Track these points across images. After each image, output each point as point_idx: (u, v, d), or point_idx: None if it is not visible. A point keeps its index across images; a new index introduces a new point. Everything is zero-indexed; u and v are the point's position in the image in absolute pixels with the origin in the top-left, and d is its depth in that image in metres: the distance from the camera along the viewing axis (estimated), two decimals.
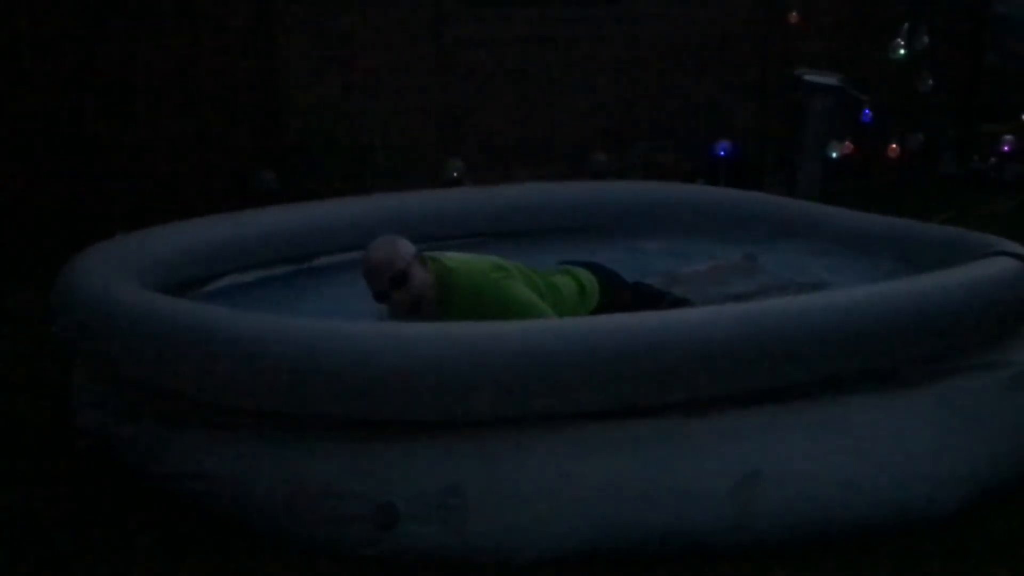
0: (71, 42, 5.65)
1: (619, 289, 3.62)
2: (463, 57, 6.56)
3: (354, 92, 6.25)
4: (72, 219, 5.46)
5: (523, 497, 2.71)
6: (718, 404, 2.86)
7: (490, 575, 2.67)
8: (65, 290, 3.30)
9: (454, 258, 3.41)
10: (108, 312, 3.10)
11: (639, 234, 4.70)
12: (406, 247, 3.31)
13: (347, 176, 6.05)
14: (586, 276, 3.59)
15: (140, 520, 2.90)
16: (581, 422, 2.78)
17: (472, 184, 6.17)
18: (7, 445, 3.38)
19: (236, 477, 2.84)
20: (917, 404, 3.03)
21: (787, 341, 2.91)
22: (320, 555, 2.71)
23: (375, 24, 6.27)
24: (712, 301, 3.66)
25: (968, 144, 8.42)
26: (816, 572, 2.70)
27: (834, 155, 7.25)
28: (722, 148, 7.18)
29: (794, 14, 7.48)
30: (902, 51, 7.77)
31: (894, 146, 7.97)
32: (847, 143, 7.49)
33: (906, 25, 7.75)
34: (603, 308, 3.51)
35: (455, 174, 6.34)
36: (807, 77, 6.90)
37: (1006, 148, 8.05)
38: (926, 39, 7.81)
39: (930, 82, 7.97)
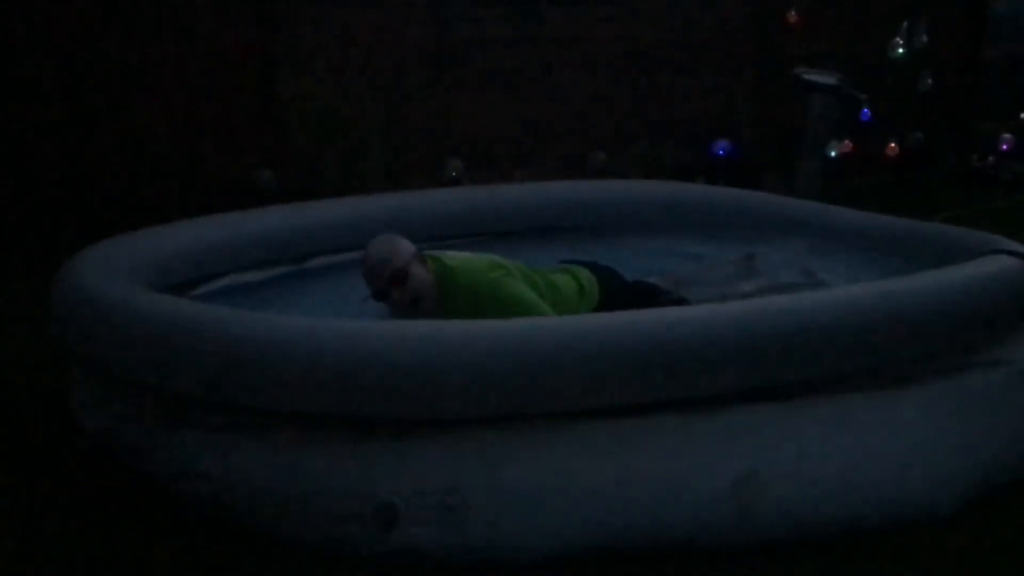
0: (70, 41, 5.64)
1: (618, 288, 3.62)
2: (462, 56, 6.56)
3: (353, 92, 6.25)
4: (71, 218, 5.46)
5: (523, 496, 2.71)
6: (717, 403, 2.86)
7: (490, 574, 2.67)
8: (64, 290, 3.29)
9: (453, 257, 3.42)
10: (107, 312, 3.10)
11: (638, 233, 4.71)
12: (405, 246, 3.31)
13: (346, 176, 6.05)
14: (585, 275, 3.59)
15: (140, 520, 2.90)
16: (581, 421, 2.78)
17: (471, 184, 6.18)
18: (7, 445, 3.38)
19: (235, 477, 2.83)
20: (917, 402, 3.03)
21: (786, 339, 2.90)
22: (320, 555, 2.71)
23: (374, 23, 6.27)
24: (711, 300, 3.66)
25: (967, 143, 8.42)
26: (816, 571, 2.70)
27: (833, 154, 7.25)
28: (721, 147, 7.19)
29: (793, 13, 7.48)
30: (901, 50, 7.78)
31: (893, 145, 7.97)
32: (846, 142, 7.50)
33: (905, 24, 7.76)
34: (602, 307, 3.51)
35: (454, 173, 6.35)
36: (806, 76, 6.89)
37: (1005, 147, 8.06)
38: (925, 38, 7.81)
39: (929, 81, 7.98)
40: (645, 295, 3.63)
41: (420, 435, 2.76)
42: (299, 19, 6.10)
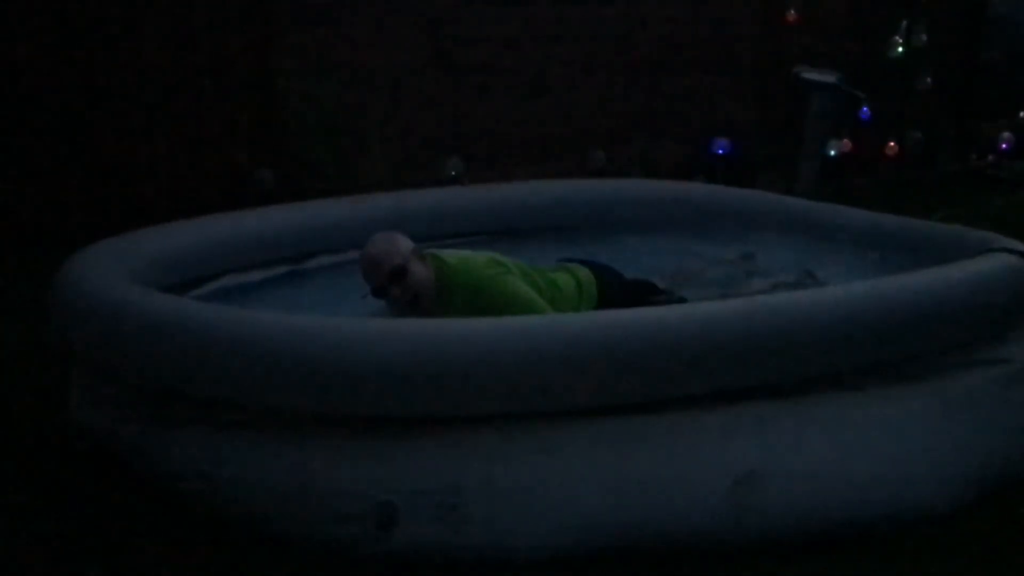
0: (69, 40, 5.64)
1: (617, 286, 3.63)
2: (461, 55, 6.56)
3: (353, 91, 6.25)
4: (70, 217, 5.46)
5: (522, 496, 2.71)
6: (716, 401, 2.86)
7: (490, 574, 2.67)
8: (64, 289, 3.29)
9: (452, 254, 3.42)
10: (107, 311, 3.10)
11: (637, 233, 4.71)
12: (404, 243, 3.32)
13: (345, 175, 6.05)
14: (584, 273, 3.60)
15: (139, 520, 2.90)
16: (580, 420, 2.78)
17: (471, 183, 6.18)
18: (7, 445, 3.38)
19: (235, 476, 2.83)
20: (916, 401, 3.03)
21: (785, 337, 2.91)
22: (319, 554, 2.71)
23: (374, 20, 6.27)
24: (710, 300, 3.67)
25: (966, 142, 8.42)
26: (815, 570, 2.70)
27: (832, 153, 7.25)
28: (720, 146, 7.19)
29: (792, 12, 7.49)
30: (900, 49, 7.78)
31: (892, 144, 7.97)
32: (845, 141, 7.50)
33: (904, 23, 7.76)
34: (601, 305, 3.52)
35: (454, 172, 6.35)
36: (805, 75, 6.91)
37: (1004, 146, 8.06)
38: (924, 37, 7.81)
39: (928, 80, 7.98)
40: (644, 294, 3.63)
41: (420, 434, 2.76)
42: (299, 18, 6.10)
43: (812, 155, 7.00)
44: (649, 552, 2.71)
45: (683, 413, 2.82)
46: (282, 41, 6.08)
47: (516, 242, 4.23)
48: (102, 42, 5.69)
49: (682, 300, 3.62)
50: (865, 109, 7.57)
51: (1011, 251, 3.48)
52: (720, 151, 7.17)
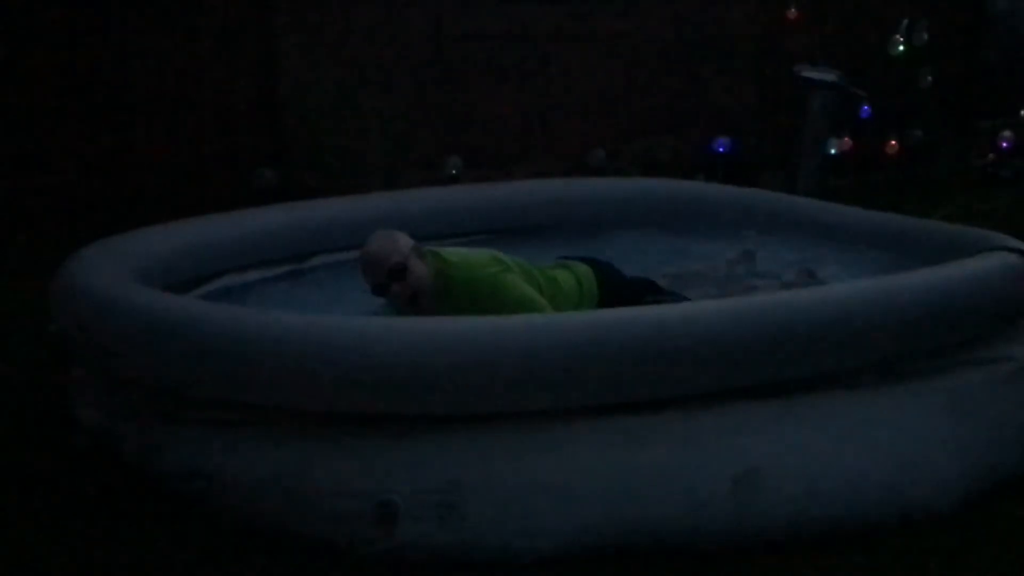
0: (70, 39, 5.64)
1: (617, 284, 3.62)
2: (461, 53, 6.56)
3: (353, 89, 6.25)
4: (70, 217, 5.46)
5: (522, 494, 2.71)
6: (717, 400, 2.86)
7: (489, 572, 2.67)
8: (65, 289, 3.29)
9: (452, 252, 3.42)
10: (107, 310, 3.10)
11: (637, 231, 4.71)
12: (404, 240, 3.32)
13: (345, 173, 6.05)
14: (584, 271, 3.60)
15: (140, 519, 2.90)
16: (580, 419, 2.79)
17: (471, 181, 6.17)
18: (7, 444, 3.38)
19: (235, 475, 2.84)
20: (917, 399, 3.03)
21: (786, 336, 2.91)
22: (320, 553, 2.71)
23: (374, 19, 6.26)
24: (710, 298, 3.67)
25: (967, 140, 8.41)
26: (816, 569, 2.70)
27: (833, 151, 7.25)
28: (721, 144, 7.18)
29: (793, 10, 7.48)
30: (901, 47, 7.77)
31: (893, 142, 7.97)
32: (846, 139, 7.49)
33: (905, 21, 7.75)
34: (601, 303, 3.52)
35: (454, 171, 6.34)
36: (805, 73, 6.89)
37: (1005, 144, 8.05)
38: (925, 35, 7.80)
39: (929, 78, 7.97)
40: (644, 292, 3.63)
41: (420, 433, 2.76)
42: (299, 16, 6.09)
43: (812, 153, 6.99)
44: (649, 552, 2.71)
45: (683, 413, 2.82)
46: (284, 39, 6.08)
47: (516, 241, 4.23)
48: (103, 38, 5.69)
49: (682, 298, 3.62)
50: (865, 107, 7.56)
51: (1011, 250, 3.48)
52: (720, 149, 7.16)
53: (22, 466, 3.23)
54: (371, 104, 6.30)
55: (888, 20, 7.77)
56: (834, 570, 2.71)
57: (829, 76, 6.88)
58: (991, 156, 8.08)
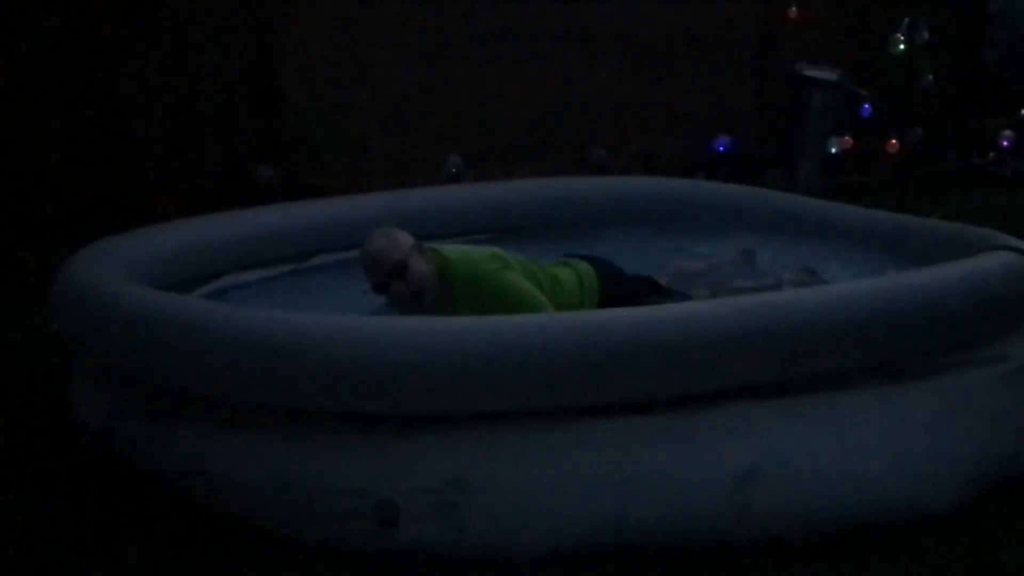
0: (70, 39, 5.64)
1: (618, 282, 3.63)
2: (462, 53, 6.56)
3: (353, 88, 6.25)
4: (70, 217, 5.46)
5: (524, 493, 2.71)
6: (717, 400, 2.86)
7: (490, 572, 2.67)
8: (65, 288, 3.30)
9: (452, 249, 3.42)
10: (107, 310, 3.10)
11: (638, 229, 4.71)
12: (404, 238, 3.31)
13: (346, 171, 6.05)
14: (585, 269, 3.60)
15: (140, 518, 2.90)
16: (582, 418, 2.79)
17: (471, 181, 6.18)
18: (7, 444, 3.38)
19: (236, 474, 2.84)
20: (917, 399, 3.03)
21: (786, 336, 2.90)
22: (320, 552, 2.72)
23: (374, 17, 6.26)
24: (710, 296, 3.67)
25: (967, 139, 8.41)
26: (815, 569, 2.70)
27: (833, 150, 7.25)
28: (721, 143, 7.18)
29: (793, 9, 7.48)
30: (902, 46, 7.77)
31: (893, 141, 7.97)
32: (846, 138, 7.49)
33: (906, 20, 7.75)
34: (602, 301, 3.52)
35: (454, 170, 6.34)
36: (806, 72, 6.90)
37: (1005, 143, 8.05)
38: (926, 34, 7.80)
39: (930, 77, 7.97)
40: (645, 290, 3.64)
41: (421, 432, 2.76)
42: (299, 15, 6.09)
43: (813, 152, 6.99)
44: (649, 551, 2.71)
45: (683, 412, 2.82)
46: (283, 37, 6.07)
47: (516, 240, 4.23)
48: (102, 38, 5.69)
49: (682, 296, 3.62)
50: (866, 106, 7.56)
51: (1012, 249, 3.48)
52: (721, 148, 7.17)
53: (22, 466, 3.23)
54: (371, 103, 6.30)
55: (890, 18, 7.77)
56: (834, 570, 2.71)
57: (830, 75, 6.88)
58: (991, 155, 8.08)
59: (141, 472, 3.03)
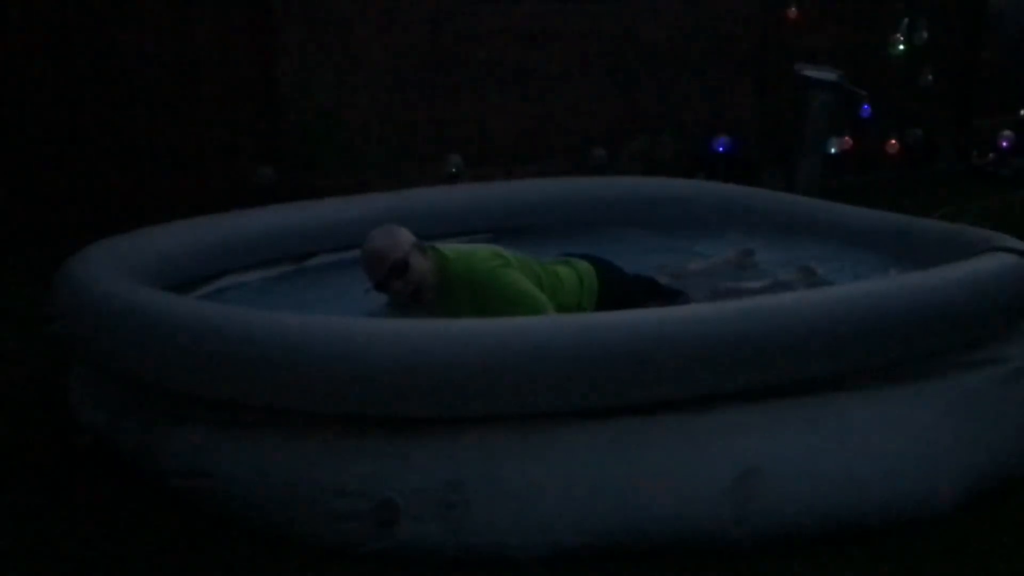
0: (69, 38, 5.64)
1: (618, 281, 3.63)
2: (462, 52, 6.56)
3: (353, 89, 6.25)
4: (71, 217, 5.46)
5: (524, 494, 2.71)
6: (717, 401, 2.86)
7: (490, 572, 2.67)
8: (67, 288, 3.30)
9: (453, 247, 3.42)
10: (109, 310, 3.10)
11: (638, 229, 4.71)
12: (405, 236, 3.32)
13: (345, 171, 6.05)
14: (585, 268, 3.61)
15: (140, 518, 2.90)
16: (582, 419, 2.79)
17: (471, 180, 6.18)
18: (7, 444, 3.38)
19: (236, 474, 2.84)
20: (917, 400, 3.03)
21: (785, 337, 2.90)
22: (321, 552, 2.72)
23: (374, 17, 6.26)
24: (709, 296, 3.67)
25: (967, 139, 8.42)
26: (816, 569, 2.70)
27: (833, 150, 7.25)
28: (721, 143, 7.18)
29: (793, 9, 7.48)
30: (901, 46, 7.78)
31: (893, 141, 7.97)
32: (846, 138, 7.50)
33: (905, 20, 7.75)
34: (601, 299, 3.53)
35: (454, 170, 6.35)
36: (806, 72, 6.90)
37: (1005, 143, 8.05)
38: (925, 34, 7.81)
39: (929, 77, 7.98)
40: (645, 289, 3.64)
41: (421, 433, 2.76)
42: (299, 17, 6.10)
43: (812, 152, 7.00)
44: (649, 551, 2.71)
45: (683, 413, 2.82)
46: (283, 37, 6.08)
47: (516, 240, 4.23)
48: (102, 38, 5.69)
49: (681, 295, 3.63)
50: (866, 107, 7.56)
51: (1011, 250, 3.48)
52: (720, 148, 7.17)
53: (22, 466, 3.23)
54: (371, 103, 6.30)
55: (889, 19, 7.78)
56: (834, 570, 2.71)
57: (830, 75, 6.88)
58: (991, 155, 8.09)
59: (141, 472, 3.03)
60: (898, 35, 7.73)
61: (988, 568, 2.75)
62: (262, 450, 2.84)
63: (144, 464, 3.04)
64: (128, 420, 3.11)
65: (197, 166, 5.93)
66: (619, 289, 3.58)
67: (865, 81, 7.20)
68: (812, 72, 6.90)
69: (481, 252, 3.39)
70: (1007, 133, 8.09)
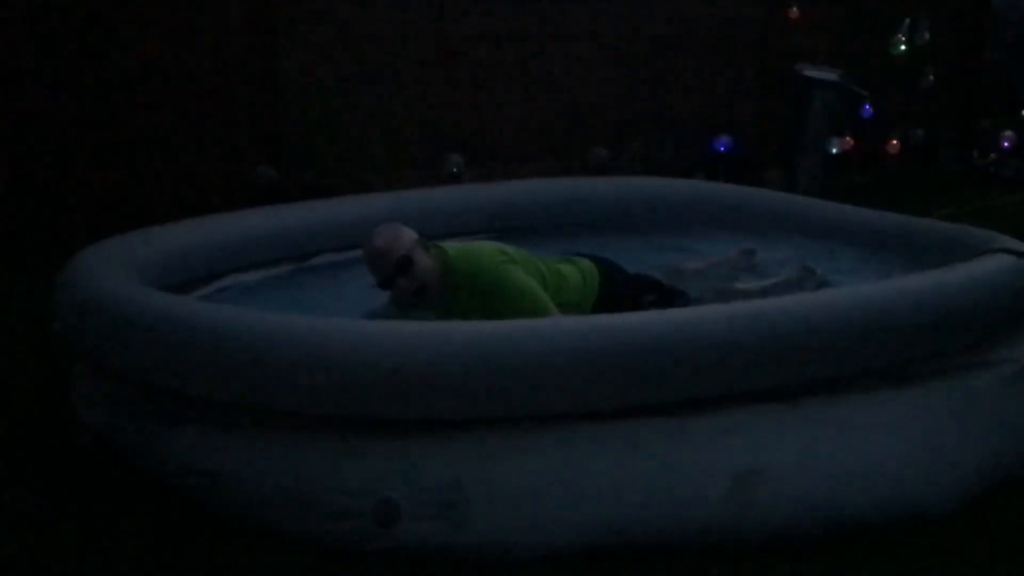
0: (69, 37, 5.64)
1: (619, 280, 3.64)
2: (463, 51, 6.56)
3: (354, 88, 6.25)
4: (71, 217, 5.46)
5: (524, 494, 2.71)
6: (718, 402, 2.86)
7: (490, 572, 2.67)
8: (67, 288, 3.30)
9: (456, 245, 3.42)
10: (110, 309, 3.10)
11: (639, 229, 4.71)
12: (408, 233, 3.32)
13: (346, 170, 6.05)
14: (587, 267, 3.61)
15: (140, 517, 2.90)
16: (582, 420, 2.79)
17: (472, 180, 6.18)
18: (7, 442, 3.38)
19: (236, 474, 2.84)
20: (918, 401, 3.03)
21: (786, 339, 2.90)
22: (321, 552, 2.72)
23: (375, 16, 6.26)
24: (710, 296, 3.68)
25: (968, 140, 8.42)
26: (815, 569, 2.70)
27: (834, 151, 7.25)
28: (722, 143, 7.18)
29: (794, 9, 7.48)
30: (903, 46, 7.78)
31: (894, 142, 7.97)
32: (847, 138, 7.50)
33: (907, 20, 7.75)
34: (603, 299, 3.53)
35: (455, 170, 6.35)
36: (807, 72, 6.90)
37: (1006, 144, 8.06)
38: (927, 34, 7.81)
39: (931, 77, 7.98)
40: (647, 289, 3.64)
41: (421, 433, 2.76)
42: (300, 16, 6.10)
43: (813, 152, 7.00)
44: (649, 551, 2.71)
45: (683, 413, 2.82)
46: (285, 36, 6.08)
47: (517, 240, 4.22)
48: (102, 37, 5.69)
49: (681, 294, 3.63)
50: (867, 107, 7.56)
51: (1012, 251, 3.48)
52: (722, 148, 7.17)
53: (22, 466, 3.23)
54: (371, 103, 6.30)
55: (891, 19, 7.78)
56: (834, 570, 2.71)
57: (831, 75, 6.88)
58: (992, 156, 8.09)
59: (141, 472, 3.03)
60: (899, 35, 7.73)
61: (990, 569, 2.74)
62: (261, 449, 2.84)
63: (144, 464, 3.03)
64: (128, 420, 3.10)
65: (197, 166, 5.93)
66: (621, 289, 3.58)
67: (866, 81, 7.20)
68: (813, 72, 6.90)
69: (485, 249, 3.38)
70: (1008, 134, 8.09)
